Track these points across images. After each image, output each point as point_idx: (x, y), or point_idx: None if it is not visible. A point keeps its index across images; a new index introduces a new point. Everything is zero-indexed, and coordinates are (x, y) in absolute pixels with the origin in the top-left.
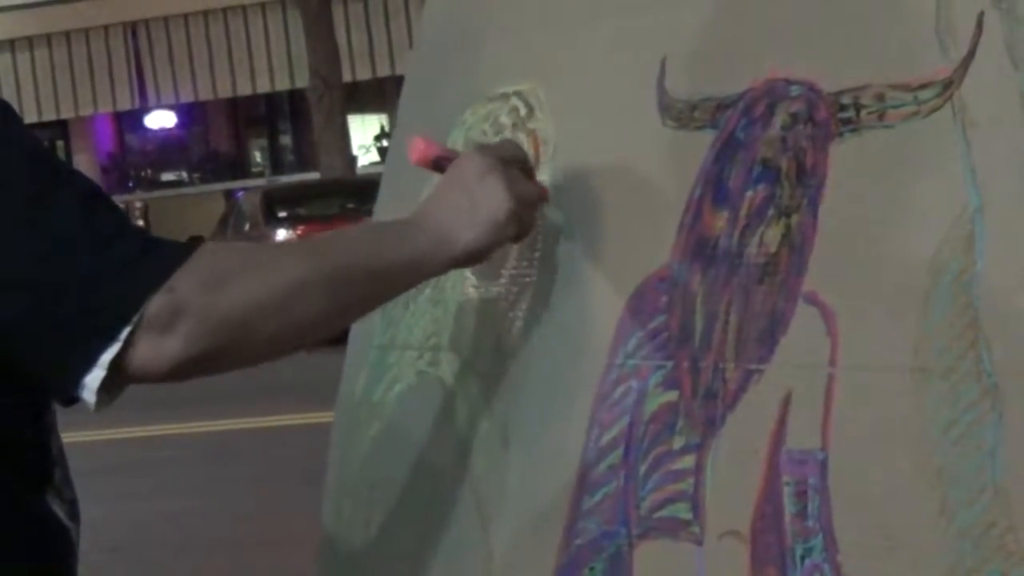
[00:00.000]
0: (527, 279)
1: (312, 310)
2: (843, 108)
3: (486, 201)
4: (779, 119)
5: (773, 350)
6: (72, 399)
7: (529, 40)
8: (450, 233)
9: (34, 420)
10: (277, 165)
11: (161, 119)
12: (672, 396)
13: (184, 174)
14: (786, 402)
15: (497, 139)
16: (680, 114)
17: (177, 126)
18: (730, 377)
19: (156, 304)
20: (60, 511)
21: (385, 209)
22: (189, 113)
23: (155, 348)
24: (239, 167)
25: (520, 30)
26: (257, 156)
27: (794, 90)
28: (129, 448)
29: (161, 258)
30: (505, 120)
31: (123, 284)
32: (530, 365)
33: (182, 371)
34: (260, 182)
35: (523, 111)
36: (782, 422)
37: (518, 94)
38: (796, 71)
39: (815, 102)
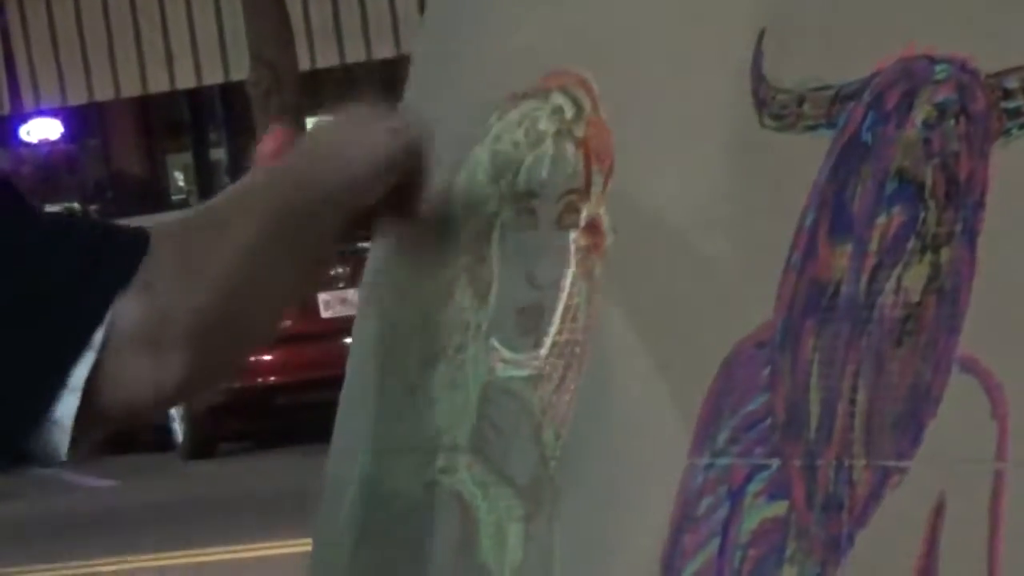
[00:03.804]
0: (576, 348)
1: (278, 264)
2: (1008, 95)
3: (353, 134)
4: (920, 113)
5: (918, 440)
6: (20, 455)
7: (575, 12)
8: (331, 173)
9: None
10: (208, 191)
11: (42, 129)
12: (779, 508)
13: (77, 206)
14: (938, 513)
15: (533, 155)
16: (784, 109)
17: (65, 138)
18: (859, 479)
19: (135, 309)
20: None
21: (383, 256)
22: (82, 120)
23: (154, 364)
24: (154, 194)
25: None
26: (179, 178)
27: (940, 71)
28: None
29: (122, 247)
30: (545, 126)
31: (85, 282)
32: (584, 470)
33: (191, 385)
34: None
35: (570, 112)
36: (933, 541)
37: (562, 89)
38: (942, 45)
39: (970, 88)
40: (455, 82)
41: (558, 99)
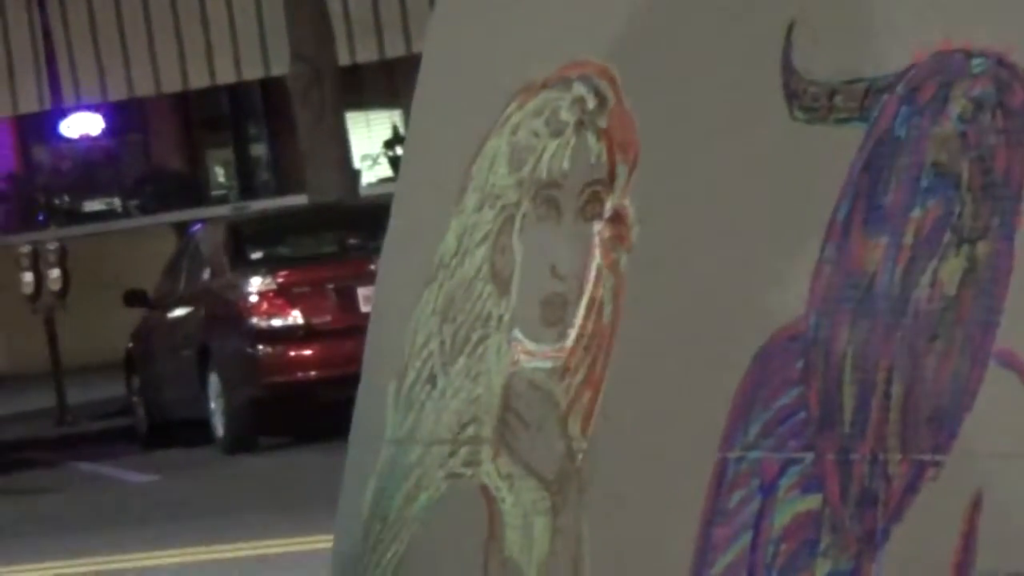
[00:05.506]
0: (602, 341)
1: None
2: None
3: None
4: (956, 107)
5: (955, 434)
6: None
7: (596, 0)
8: None
9: None
10: (248, 186)
11: (82, 125)
12: (813, 502)
13: (116, 202)
14: (975, 507)
15: (555, 144)
16: (815, 102)
17: (105, 133)
18: (895, 473)
19: None
20: None
21: (399, 243)
22: (122, 115)
23: None
24: (194, 191)
25: None
26: (219, 175)
27: (976, 65)
28: None
29: None
30: (567, 116)
31: None
32: (613, 464)
33: None
34: (224, 211)
35: (592, 103)
36: (971, 535)
37: (584, 79)
38: (978, 38)
39: (1007, 82)
40: (469, 71)
41: (580, 89)
